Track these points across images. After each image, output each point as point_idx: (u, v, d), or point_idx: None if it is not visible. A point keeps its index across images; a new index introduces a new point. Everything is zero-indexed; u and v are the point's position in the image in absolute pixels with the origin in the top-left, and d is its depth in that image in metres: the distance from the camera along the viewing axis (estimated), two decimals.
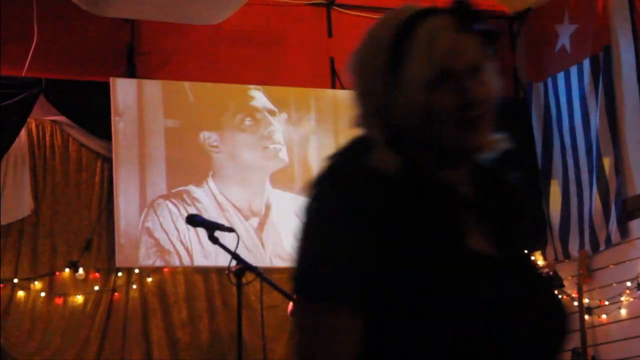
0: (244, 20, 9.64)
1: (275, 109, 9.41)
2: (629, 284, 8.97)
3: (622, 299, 9.04)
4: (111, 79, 9.00)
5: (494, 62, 2.18)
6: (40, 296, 8.66)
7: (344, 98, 9.71)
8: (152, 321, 8.89)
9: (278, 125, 9.38)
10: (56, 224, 8.82)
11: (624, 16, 9.15)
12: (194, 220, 4.43)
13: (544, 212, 9.97)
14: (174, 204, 8.96)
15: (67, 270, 8.75)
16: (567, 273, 9.66)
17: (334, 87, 9.83)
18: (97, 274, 8.85)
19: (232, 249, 4.37)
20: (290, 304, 5.10)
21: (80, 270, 8.75)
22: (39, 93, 8.74)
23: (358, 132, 2.22)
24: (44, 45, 8.89)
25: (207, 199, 9.03)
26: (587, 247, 9.35)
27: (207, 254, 8.71)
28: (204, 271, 9.07)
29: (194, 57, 9.55)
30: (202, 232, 4.40)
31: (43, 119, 8.92)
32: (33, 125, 8.88)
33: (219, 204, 9.05)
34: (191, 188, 9.04)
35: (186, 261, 8.93)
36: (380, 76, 2.15)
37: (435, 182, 2.09)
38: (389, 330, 1.99)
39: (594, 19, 9.39)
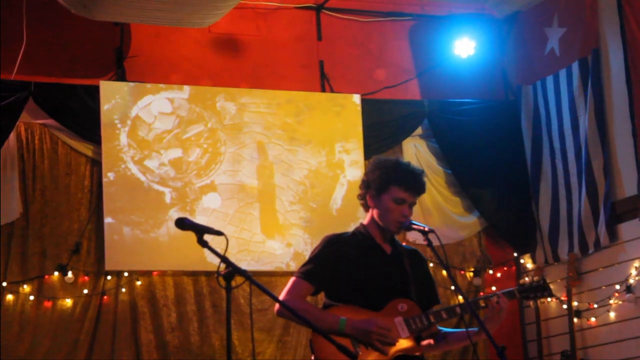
0: (234, 24, 9.65)
1: None
2: (617, 287, 8.99)
3: (611, 302, 9.06)
4: (100, 82, 9.00)
5: None
6: (29, 299, 8.64)
7: (332, 101, 9.72)
8: (141, 324, 8.87)
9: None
10: (45, 227, 8.80)
11: (613, 20, 9.17)
12: (183, 224, 4.40)
13: (533, 215, 9.99)
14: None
15: (56, 273, 8.73)
16: (557, 276, 9.68)
17: (323, 90, 9.84)
18: (86, 277, 8.83)
19: (221, 252, 4.37)
20: (277, 305, 5.09)
21: (70, 274, 8.74)
22: (28, 96, 8.72)
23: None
24: (33, 49, 8.88)
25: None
26: (577, 250, 9.37)
27: (195, 257, 8.71)
28: (193, 274, 9.06)
29: (184, 61, 9.55)
30: (191, 235, 4.38)
31: (32, 123, 8.90)
32: (22, 128, 8.86)
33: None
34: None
35: (175, 264, 8.93)
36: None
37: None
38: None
39: (583, 22, 9.42)
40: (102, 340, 8.78)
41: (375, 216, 5.34)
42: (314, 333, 5.11)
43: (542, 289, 5.55)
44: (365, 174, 5.43)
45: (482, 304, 5.29)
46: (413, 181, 5.29)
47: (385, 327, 5.09)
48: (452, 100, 10.13)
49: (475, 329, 5.31)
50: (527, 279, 5.66)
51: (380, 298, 5.24)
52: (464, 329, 5.30)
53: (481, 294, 9.97)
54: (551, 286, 9.43)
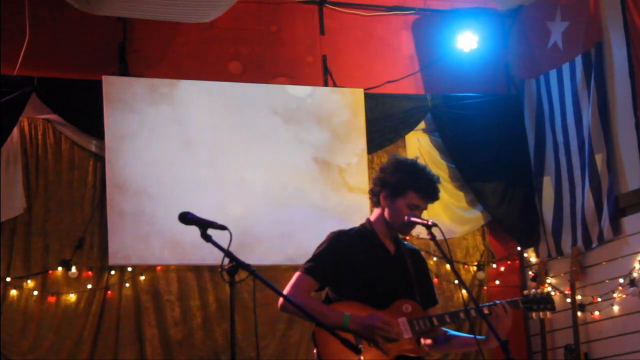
0: (236, 18, 9.64)
1: None
2: (621, 280, 8.98)
3: (615, 295, 9.05)
4: (103, 77, 8.99)
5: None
6: (33, 295, 8.65)
7: (335, 95, 9.71)
8: (145, 319, 8.88)
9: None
10: (49, 222, 8.81)
11: (616, 13, 9.16)
12: (187, 218, 4.41)
13: (536, 209, 9.99)
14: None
15: (59, 268, 8.74)
16: (560, 270, 9.68)
17: (326, 84, 9.83)
18: (89, 273, 8.84)
19: (225, 246, 4.37)
20: (280, 299, 5.10)
21: (73, 269, 8.74)
22: (31, 91, 8.73)
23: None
24: (36, 44, 8.88)
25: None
26: (580, 244, 9.36)
27: (199, 252, 8.70)
28: (197, 269, 9.07)
29: (186, 55, 9.54)
30: (194, 229, 4.38)
31: (35, 118, 8.90)
32: (25, 123, 8.86)
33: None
34: None
35: (179, 259, 8.92)
36: None
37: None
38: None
39: (586, 15, 9.40)
40: (106, 335, 8.79)
41: (386, 215, 5.35)
42: (316, 327, 5.11)
43: (545, 302, 5.55)
44: (383, 170, 5.40)
45: (486, 312, 5.26)
46: (431, 190, 5.31)
47: (389, 323, 5.09)
48: (455, 94, 10.12)
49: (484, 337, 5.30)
50: (533, 290, 5.65)
51: (384, 298, 5.25)
52: (471, 335, 5.29)
53: (485, 288, 9.98)
54: (554, 280, 9.54)
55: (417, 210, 5.28)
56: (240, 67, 9.65)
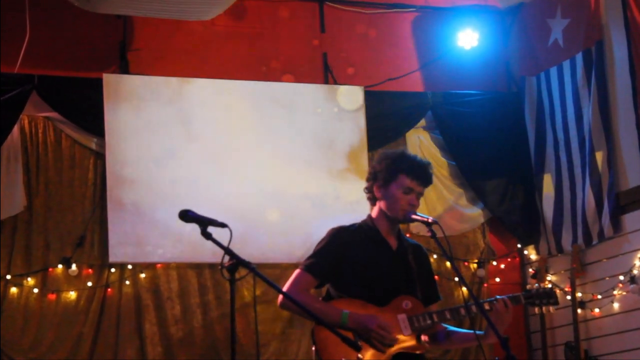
0: (237, 16, 9.64)
1: None
2: (621, 277, 8.98)
3: (615, 292, 9.06)
4: (104, 74, 8.99)
5: None
6: (33, 292, 8.65)
7: (336, 93, 9.71)
8: (145, 317, 8.88)
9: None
10: (49, 220, 8.81)
11: (617, 11, 9.15)
12: (187, 216, 4.41)
13: (537, 207, 9.99)
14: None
15: (60, 266, 8.73)
16: (560, 267, 9.68)
17: (327, 82, 9.83)
18: (90, 270, 8.84)
19: (225, 244, 4.37)
20: (280, 297, 5.10)
21: (74, 267, 8.74)
22: (32, 89, 8.72)
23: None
24: (37, 42, 8.88)
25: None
26: (580, 241, 9.36)
27: (199, 250, 8.70)
28: (197, 267, 9.07)
29: (187, 53, 9.54)
30: (195, 227, 4.38)
31: (36, 116, 8.90)
32: (26, 121, 8.86)
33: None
34: None
35: (179, 257, 8.92)
36: None
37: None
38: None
39: (587, 13, 9.40)
40: (106, 333, 8.79)
41: (383, 207, 5.33)
42: (316, 325, 5.11)
43: (548, 296, 5.52)
44: (372, 166, 5.43)
45: (487, 307, 5.25)
46: (421, 171, 5.29)
47: (386, 328, 5.08)
48: (455, 92, 10.12)
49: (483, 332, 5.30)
50: (536, 285, 5.67)
51: (385, 294, 5.24)
52: (471, 331, 5.29)
53: (485, 285, 9.98)
54: (555, 277, 9.54)
55: (412, 193, 5.26)
56: (240, 64, 9.66)
